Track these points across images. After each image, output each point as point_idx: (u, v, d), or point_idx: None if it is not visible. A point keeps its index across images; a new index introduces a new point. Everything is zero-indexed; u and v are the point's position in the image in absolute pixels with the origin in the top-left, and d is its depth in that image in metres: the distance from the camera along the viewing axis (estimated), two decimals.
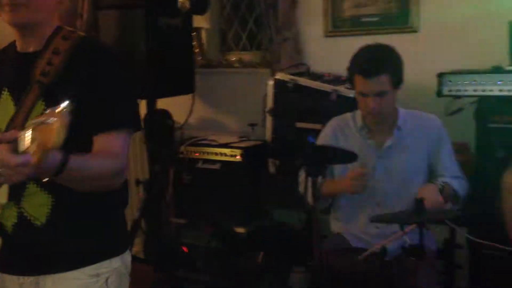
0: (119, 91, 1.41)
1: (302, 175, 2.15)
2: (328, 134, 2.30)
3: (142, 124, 3.30)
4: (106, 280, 1.44)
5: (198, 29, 3.67)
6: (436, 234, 2.40)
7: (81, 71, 1.37)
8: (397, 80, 2.14)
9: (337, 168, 2.22)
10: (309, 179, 1.65)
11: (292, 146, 2.05)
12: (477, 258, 2.53)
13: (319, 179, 1.67)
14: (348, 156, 1.78)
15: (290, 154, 1.89)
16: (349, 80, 2.22)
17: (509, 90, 2.38)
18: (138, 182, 3.26)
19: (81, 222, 1.42)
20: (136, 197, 3.90)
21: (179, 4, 2.96)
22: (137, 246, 3.47)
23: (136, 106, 1.49)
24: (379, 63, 2.09)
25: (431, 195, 1.98)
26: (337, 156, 1.82)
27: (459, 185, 2.19)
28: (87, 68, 1.37)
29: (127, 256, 1.52)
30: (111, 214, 1.49)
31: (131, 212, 3.88)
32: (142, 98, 3.26)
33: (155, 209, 3.06)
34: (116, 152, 1.37)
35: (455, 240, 2.59)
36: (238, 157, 3.05)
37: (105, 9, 3.16)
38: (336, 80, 2.88)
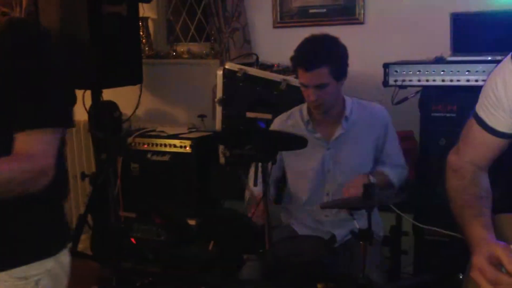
0: (43, 84, 1.26)
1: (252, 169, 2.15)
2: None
3: (88, 115, 3.26)
4: (36, 282, 1.35)
5: (144, 19, 3.59)
6: (383, 221, 2.44)
7: (3, 60, 1.24)
8: (338, 72, 2.12)
9: (287, 154, 2.22)
10: (259, 165, 1.64)
11: (243, 132, 2.02)
12: (422, 243, 2.61)
13: (270, 165, 1.66)
14: (298, 142, 1.78)
15: (240, 140, 1.87)
16: (293, 71, 2.22)
17: (451, 80, 2.46)
18: (83, 176, 3.16)
19: (6, 222, 1.32)
20: (81, 191, 3.80)
21: None
22: (84, 242, 3.37)
23: (66, 99, 1.34)
24: (318, 56, 2.08)
25: (354, 190, 2.00)
26: (287, 142, 1.81)
27: (398, 176, 2.23)
28: (9, 57, 1.24)
29: (63, 256, 1.41)
30: (41, 213, 1.37)
31: (77, 207, 3.79)
32: (86, 89, 3.17)
33: (102, 203, 2.97)
34: (34, 154, 1.24)
35: (401, 226, 2.67)
36: (188, 148, 3.02)
37: None
38: (285, 70, 2.89)
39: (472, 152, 1.45)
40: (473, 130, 1.43)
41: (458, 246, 2.39)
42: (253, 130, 1.78)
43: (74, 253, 2.87)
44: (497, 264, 1.18)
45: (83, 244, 3.37)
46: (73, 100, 1.42)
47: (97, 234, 3.21)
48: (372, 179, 2.01)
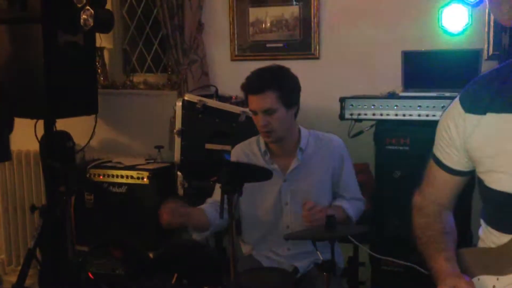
0: None
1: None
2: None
3: (39, 145, 3.16)
4: None
5: (100, 49, 3.56)
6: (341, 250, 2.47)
7: None
8: (287, 99, 2.12)
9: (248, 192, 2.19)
10: (225, 197, 1.64)
11: (208, 164, 2.02)
12: (378, 274, 2.65)
13: (235, 196, 1.66)
14: (264, 173, 1.80)
15: (205, 173, 1.87)
16: (245, 100, 2.23)
17: (403, 115, 2.56)
18: (33, 208, 3.04)
19: None
20: (29, 224, 3.65)
21: (81, 21, 2.85)
22: (32, 278, 3.22)
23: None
24: (264, 80, 2.11)
25: (314, 218, 2.00)
26: (253, 174, 1.82)
27: (355, 209, 2.24)
28: None
29: None
30: None
31: (25, 241, 3.63)
32: (39, 118, 3.09)
33: (53, 236, 2.86)
34: None
35: (358, 257, 2.71)
36: (145, 179, 2.97)
37: None
38: (243, 102, 2.92)
39: (434, 192, 1.52)
40: (432, 170, 1.51)
41: (413, 276, 2.48)
42: (219, 162, 1.77)
43: None
44: None
45: (31, 280, 3.22)
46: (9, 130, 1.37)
47: (46, 269, 3.07)
48: (331, 212, 2.01)
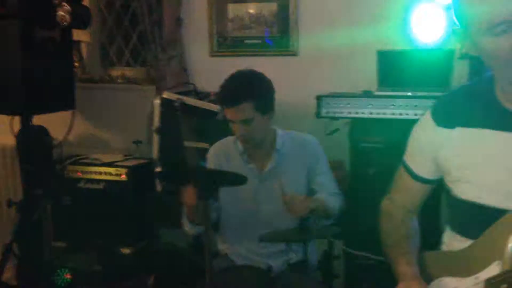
0: None
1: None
2: (211, 161, 2.31)
3: (16, 141, 3.14)
4: None
5: (77, 43, 3.53)
6: (315, 245, 2.53)
7: None
8: (263, 106, 2.13)
9: (224, 191, 2.23)
10: (201, 202, 1.67)
11: (184, 171, 2.05)
12: (352, 267, 2.73)
13: (211, 201, 1.69)
14: (238, 179, 1.83)
15: (181, 178, 1.89)
16: (222, 108, 2.23)
17: (377, 113, 2.62)
18: (10, 203, 3.03)
19: None
20: (8, 219, 3.63)
21: (58, 18, 2.83)
22: (9, 272, 3.23)
23: None
24: (238, 92, 2.10)
25: (297, 208, 2.02)
26: (227, 179, 1.86)
27: (335, 202, 2.27)
28: None
29: None
30: None
31: (2, 235, 3.61)
32: (15, 115, 3.07)
33: (30, 232, 2.87)
34: None
35: (333, 251, 2.77)
36: (123, 176, 2.98)
37: None
38: None
39: (402, 198, 1.59)
40: (403, 178, 1.57)
41: (386, 269, 2.55)
42: (194, 169, 1.80)
43: None
44: None
45: (8, 274, 3.22)
46: None
47: (24, 264, 3.07)
48: (313, 204, 2.04)
